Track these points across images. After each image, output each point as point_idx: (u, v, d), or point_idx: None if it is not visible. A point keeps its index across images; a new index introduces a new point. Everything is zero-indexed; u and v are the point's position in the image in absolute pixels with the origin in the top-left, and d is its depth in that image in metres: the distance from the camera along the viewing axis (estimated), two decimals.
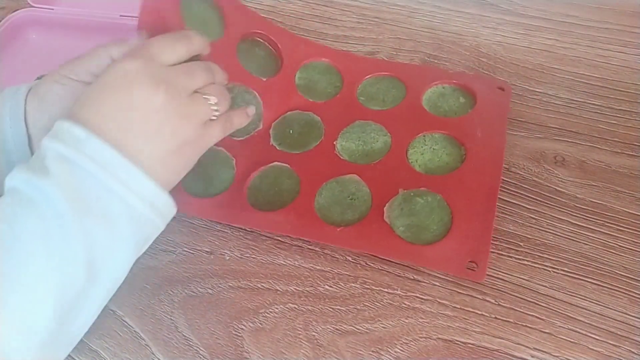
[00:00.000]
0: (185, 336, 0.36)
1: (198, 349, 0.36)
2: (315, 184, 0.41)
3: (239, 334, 0.36)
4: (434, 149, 0.42)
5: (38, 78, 0.40)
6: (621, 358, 0.33)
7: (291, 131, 0.45)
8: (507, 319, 0.35)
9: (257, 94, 0.45)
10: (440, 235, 0.37)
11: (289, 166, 0.42)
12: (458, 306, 0.36)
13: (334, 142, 0.43)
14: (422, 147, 0.42)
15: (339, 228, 0.38)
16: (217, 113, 0.35)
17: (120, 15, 0.57)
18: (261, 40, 0.48)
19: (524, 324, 0.34)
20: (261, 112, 0.45)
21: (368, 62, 0.51)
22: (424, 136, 0.43)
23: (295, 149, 0.44)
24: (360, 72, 0.48)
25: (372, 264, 0.38)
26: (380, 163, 0.41)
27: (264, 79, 0.46)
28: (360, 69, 0.48)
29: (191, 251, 0.41)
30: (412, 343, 0.34)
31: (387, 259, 0.38)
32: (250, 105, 0.42)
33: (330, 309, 0.37)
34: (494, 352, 0.34)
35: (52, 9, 0.60)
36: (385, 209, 0.38)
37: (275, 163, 0.42)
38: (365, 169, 0.41)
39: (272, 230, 0.40)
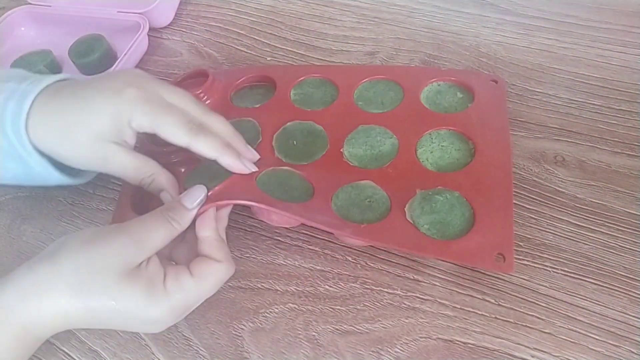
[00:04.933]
0: (185, 336, 0.36)
1: (198, 349, 0.36)
2: (329, 190, 0.39)
3: (239, 334, 0.36)
4: (442, 146, 0.42)
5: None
6: (621, 358, 0.33)
7: (295, 142, 0.43)
8: (507, 319, 0.35)
9: (251, 118, 0.46)
10: (464, 231, 0.36)
11: (300, 173, 0.41)
12: (458, 306, 0.36)
13: (341, 150, 0.42)
14: (430, 145, 0.42)
15: (363, 225, 0.37)
16: None
17: (118, 12, 0.57)
18: (255, 83, 0.50)
19: (524, 324, 0.34)
20: (259, 129, 0.44)
21: (360, 69, 0.51)
22: (430, 134, 0.43)
23: (301, 160, 0.42)
24: (354, 79, 0.48)
25: (372, 264, 0.38)
26: (391, 166, 0.41)
27: (257, 106, 0.47)
28: (354, 76, 0.48)
29: None
30: (412, 343, 0.35)
31: (410, 255, 0.38)
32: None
33: (330, 309, 0.37)
34: (494, 352, 0.34)
35: (50, 6, 0.60)
36: (406, 209, 0.38)
37: (286, 167, 0.41)
38: (378, 174, 0.40)
39: (291, 214, 0.36)
